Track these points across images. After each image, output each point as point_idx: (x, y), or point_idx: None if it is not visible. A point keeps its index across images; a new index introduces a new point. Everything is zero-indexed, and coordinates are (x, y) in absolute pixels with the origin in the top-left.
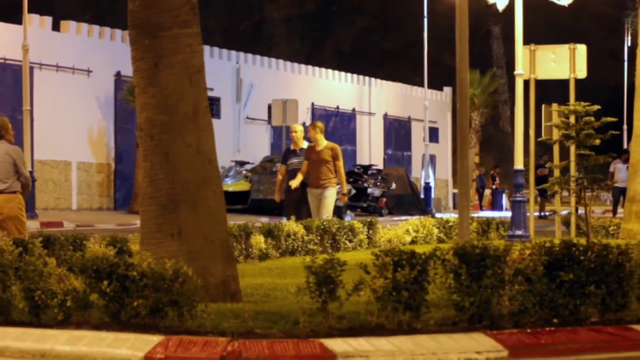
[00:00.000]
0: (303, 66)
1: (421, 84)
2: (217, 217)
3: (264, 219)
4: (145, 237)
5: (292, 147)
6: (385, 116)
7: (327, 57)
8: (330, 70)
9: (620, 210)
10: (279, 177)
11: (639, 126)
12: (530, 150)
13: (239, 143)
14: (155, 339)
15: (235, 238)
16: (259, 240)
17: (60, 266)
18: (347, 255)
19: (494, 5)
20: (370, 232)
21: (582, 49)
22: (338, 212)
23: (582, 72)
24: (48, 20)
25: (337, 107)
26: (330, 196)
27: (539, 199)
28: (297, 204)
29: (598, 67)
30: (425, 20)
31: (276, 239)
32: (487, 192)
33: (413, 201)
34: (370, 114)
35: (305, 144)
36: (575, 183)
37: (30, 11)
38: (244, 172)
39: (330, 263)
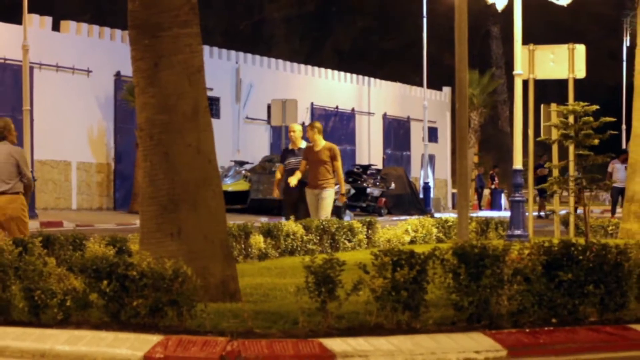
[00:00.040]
0: (302, 66)
1: (420, 84)
2: (216, 217)
3: (264, 219)
4: (145, 237)
5: (290, 147)
6: (385, 116)
7: (327, 57)
8: (329, 70)
9: (619, 210)
10: (278, 175)
11: (637, 126)
12: (529, 150)
13: (238, 143)
14: (154, 339)
15: (234, 238)
16: (258, 240)
17: (60, 266)
18: (346, 255)
19: (493, 5)
20: (370, 231)
21: (580, 49)
22: (337, 211)
23: (581, 72)
24: (48, 20)
25: (337, 107)
26: (328, 197)
27: (537, 198)
28: (296, 204)
29: (597, 67)
30: (425, 20)
31: (275, 238)
32: (486, 192)
33: (412, 201)
34: (369, 113)
35: (303, 144)
36: (574, 183)
37: (30, 11)
38: (243, 172)
39: (329, 263)
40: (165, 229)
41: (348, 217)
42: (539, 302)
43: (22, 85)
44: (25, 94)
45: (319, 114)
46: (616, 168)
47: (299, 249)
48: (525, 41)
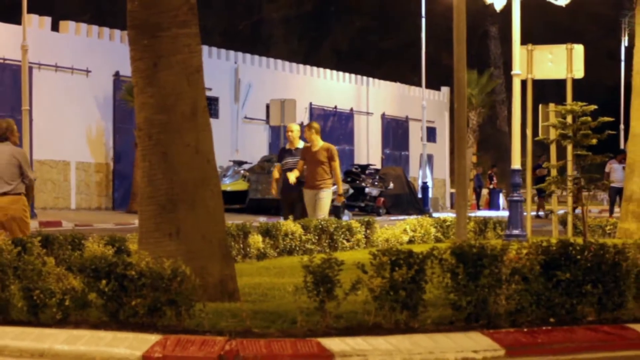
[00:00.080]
0: (301, 66)
1: (419, 84)
2: (215, 217)
3: (262, 219)
4: (144, 237)
5: (287, 147)
6: (383, 116)
7: (325, 57)
8: (328, 70)
9: (617, 209)
10: (275, 174)
11: (636, 126)
12: (528, 150)
13: (237, 143)
14: (153, 338)
15: (233, 237)
16: (256, 240)
17: (59, 265)
18: (344, 255)
19: (491, 5)
20: (368, 231)
21: (579, 49)
22: (336, 211)
23: (579, 72)
24: (47, 20)
25: (335, 107)
26: (325, 197)
27: (536, 198)
28: (293, 204)
29: (595, 67)
30: (423, 20)
31: (274, 238)
32: (485, 191)
33: (410, 201)
34: (368, 113)
35: (301, 144)
36: (573, 183)
37: (29, 11)
38: (242, 171)
39: (327, 262)
40: (163, 228)
41: (346, 217)
42: (537, 301)
43: (21, 85)
44: (24, 94)
45: (317, 113)
46: (614, 168)
47: (297, 248)
48: (524, 41)
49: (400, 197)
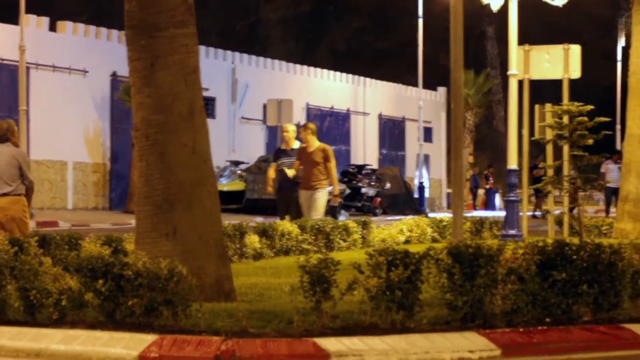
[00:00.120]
0: (298, 66)
1: (416, 84)
2: (211, 217)
3: (259, 219)
4: (140, 237)
5: (283, 147)
6: (380, 116)
7: (322, 58)
8: (325, 71)
9: (612, 209)
10: (271, 174)
11: (632, 126)
12: (524, 150)
13: (234, 143)
14: (149, 338)
15: (229, 237)
16: (253, 240)
17: (56, 265)
18: (341, 255)
19: (488, 5)
20: (364, 231)
21: (575, 49)
22: (332, 211)
23: (576, 72)
24: (45, 20)
25: (332, 107)
26: (321, 198)
27: (532, 198)
28: (288, 204)
29: (592, 67)
30: (420, 20)
31: (270, 238)
32: (481, 191)
33: (407, 201)
34: (364, 113)
35: (296, 144)
36: (569, 183)
37: (27, 11)
38: (238, 172)
39: (324, 262)
40: (160, 228)
41: (343, 217)
42: (533, 301)
43: (19, 85)
44: (21, 94)
45: (314, 114)
46: (609, 168)
47: (294, 248)
48: (521, 41)
49: (396, 197)
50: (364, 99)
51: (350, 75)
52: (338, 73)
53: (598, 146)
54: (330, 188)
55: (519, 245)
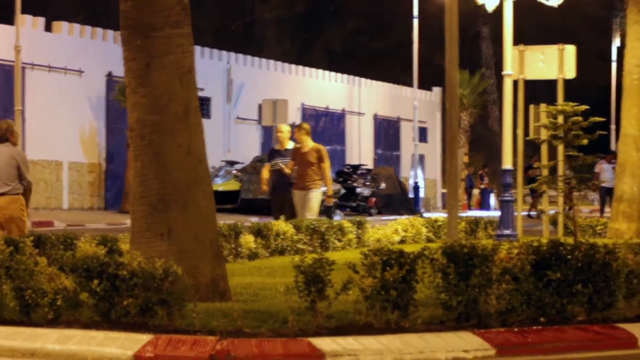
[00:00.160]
0: (293, 66)
1: (411, 84)
2: (206, 217)
3: (254, 219)
4: (136, 237)
5: (277, 147)
6: (375, 116)
7: (317, 58)
8: (320, 71)
9: (607, 209)
10: (265, 174)
11: (626, 126)
12: (519, 150)
13: (229, 143)
14: (144, 338)
15: (224, 237)
16: (248, 240)
17: (51, 265)
18: (336, 255)
19: (483, 6)
20: (359, 231)
21: (570, 50)
22: (327, 211)
23: (570, 73)
24: (40, 20)
25: (327, 107)
26: (314, 198)
27: (527, 198)
28: (283, 204)
29: (587, 67)
30: (415, 20)
31: (265, 238)
32: (476, 191)
33: (402, 201)
34: (359, 114)
35: (290, 145)
36: (564, 183)
37: (23, 12)
38: (234, 172)
39: (319, 262)
40: (155, 228)
41: (338, 217)
42: (528, 301)
43: (14, 85)
44: (17, 94)
45: (309, 114)
46: (603, 168)
47: (289, 248)
48: (516, 42)
49: (391, 197)
50: (359, 99)
51: (345, 76)
52: (333, 73)
53: (593, 146)
54: (324, 188)
55: (513, 245)
